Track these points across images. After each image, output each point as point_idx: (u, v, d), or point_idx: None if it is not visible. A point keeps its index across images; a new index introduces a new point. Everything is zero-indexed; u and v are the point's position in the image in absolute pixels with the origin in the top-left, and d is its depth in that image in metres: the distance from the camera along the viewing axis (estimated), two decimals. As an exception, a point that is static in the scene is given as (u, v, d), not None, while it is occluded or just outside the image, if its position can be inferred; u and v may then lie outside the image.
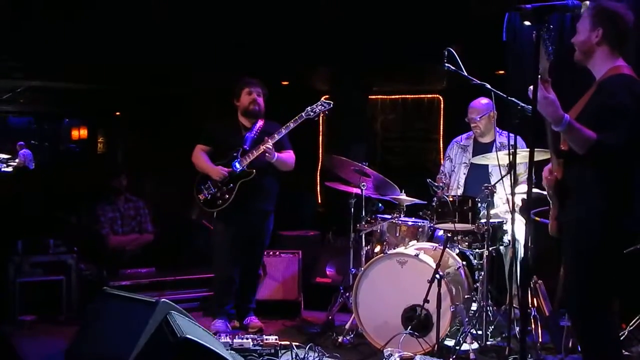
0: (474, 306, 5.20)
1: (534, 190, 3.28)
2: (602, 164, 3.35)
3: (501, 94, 4.54)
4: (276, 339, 4.92)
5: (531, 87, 3.26)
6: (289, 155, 5.74)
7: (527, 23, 3.53)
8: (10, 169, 16.14)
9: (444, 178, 5.88)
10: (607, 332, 3.44)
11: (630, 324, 4.95)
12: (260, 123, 5.75)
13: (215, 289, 5.88)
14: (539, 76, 3.24)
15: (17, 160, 17.74)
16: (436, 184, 5.32)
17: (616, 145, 3.23)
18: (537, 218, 4.77)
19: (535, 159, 3.16)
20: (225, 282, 5.73)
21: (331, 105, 5.57)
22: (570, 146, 3.37)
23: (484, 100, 5.59)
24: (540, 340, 4.92)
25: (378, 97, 10.88)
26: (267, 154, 5.46)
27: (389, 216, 5.56)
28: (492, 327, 5.11)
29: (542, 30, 3.15)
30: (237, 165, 5.53)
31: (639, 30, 4.35)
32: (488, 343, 4.89)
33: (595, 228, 3.37)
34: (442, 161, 6.11)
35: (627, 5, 3.48)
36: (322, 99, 5.66)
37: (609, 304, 3.45)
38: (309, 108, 5.52)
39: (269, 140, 5.46)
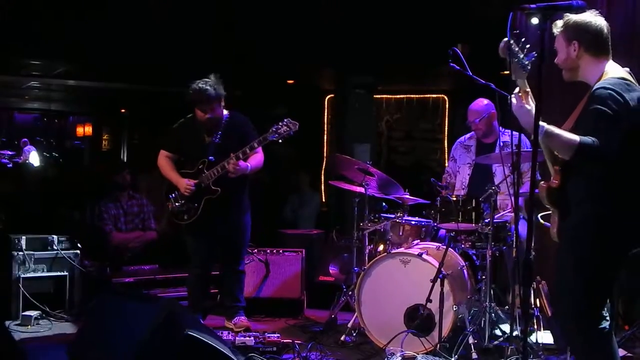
0: (477, 306, 5.20)
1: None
2: (599, 169, 3.35)
3: (506, 93, 4.54)
4: (278, 337, 4.92)
5: (512, 96, 3.34)
6: (258, 160, 5.50)
7: (534, 21, 3.55)
8: (12, 165, 16.16)
9: (449, 178, 5.88)
10: (602, 338, 3.43)
11: (633, 326, 4.95)
12: (222, 123, 5.52)
13: (187, 291, 5.81)
14: (517, 87, 3.31)
15: (21, 157, 17.77)
16: (440, 184, 5.31)
17: (601, 149, 3.22)
18: (542, 221, 4.76)
19: (539, 159, 3.16)
20: (194, 284, 5.69)
21: (297, 127, 5.22)
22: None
23: (482, 102, 5.59)
24: (542, 340, 4.91)
25: (383, 96, 10.90)
26: (232, 175, 5.29)
27: (393, 215, 5.56)
28: (495, 327, 5.10)
29: (510, 42, 3.19)
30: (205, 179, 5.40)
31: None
32: (490, 343, 4.88)
33: (595, 233, 3.36)
34: (446, 161, 6.11)
35: (598, 11, 3.49)
36: (288, 118, 5.23)
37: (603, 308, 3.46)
38: (273, 128, 5.21)
39: (233, 159, 5.22)
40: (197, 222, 5.47)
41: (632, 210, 3.36)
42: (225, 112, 5.54)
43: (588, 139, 3.20)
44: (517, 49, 3.21)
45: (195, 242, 5.59)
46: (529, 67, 3.25)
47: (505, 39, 3.22)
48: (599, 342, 3.38)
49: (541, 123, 3.28)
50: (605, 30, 3.47)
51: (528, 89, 3.33)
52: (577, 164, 3.34)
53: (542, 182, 3.60)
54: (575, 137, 3.23)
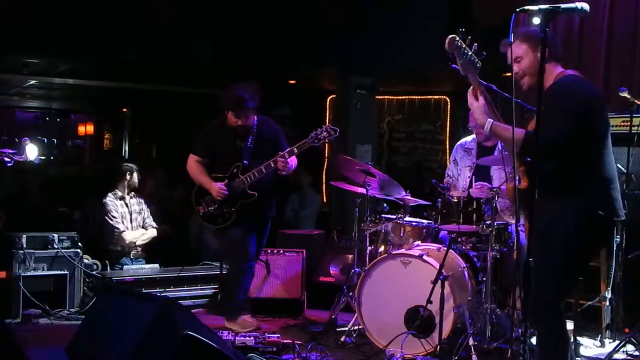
0: (477, 308, 5.19)
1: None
2: (565, 163, 3.44)
3: (507, 95, 4.54)
4: (278, 337, 4.92)
5: (468, 91, 3.52)
6: (296, 163, 5.59)
7: (536, 22, 3.61)
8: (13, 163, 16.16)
9: (451, 181, 5.86)
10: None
11: (633, 328, 4.94)
12: (254, 129, 5.57)
13: (230, 288, 5.73)
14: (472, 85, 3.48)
15: (22, 156, 17.77)
16: (441, 185, 5.30)
17: (545, 138, 3.26)
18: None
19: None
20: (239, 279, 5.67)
21: (337, 133, 5.35)
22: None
23: None
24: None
25: (385, 97, 10.90)
26: (282, 172, 5.37)
27: (394, 216, 5.55)
28: (495, 329, 5.09)
29: (455, 38, 3.25)
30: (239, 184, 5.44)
31: None
32: (490, 345, 4.87)
33: (572, 225, 3.45)
34: (448, 162, 6.10)
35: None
36: (328, 124, 5.40)
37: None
38: (312, 134, 5.31)
39: (282, 159, 5.29)
40: (230, 225, 5.50)
41: (599, 200, 3.46)
42: (254, 118, 5.56)
43: (535, 133, 3.27)
44: (463, 45, 3.26)
45: (228, 241, 5.61)
46: (479, 64, 3.30)
47: (451, 35, 3.28)
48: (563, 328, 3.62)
49: (488, 119, 3.39)
50: (558, 39, 3.77)
51: (480, 86, 3.41)
52: (527, 153, 3.42)
53: (508, 182, 3.69)
54: (522, 130, 3.38)
